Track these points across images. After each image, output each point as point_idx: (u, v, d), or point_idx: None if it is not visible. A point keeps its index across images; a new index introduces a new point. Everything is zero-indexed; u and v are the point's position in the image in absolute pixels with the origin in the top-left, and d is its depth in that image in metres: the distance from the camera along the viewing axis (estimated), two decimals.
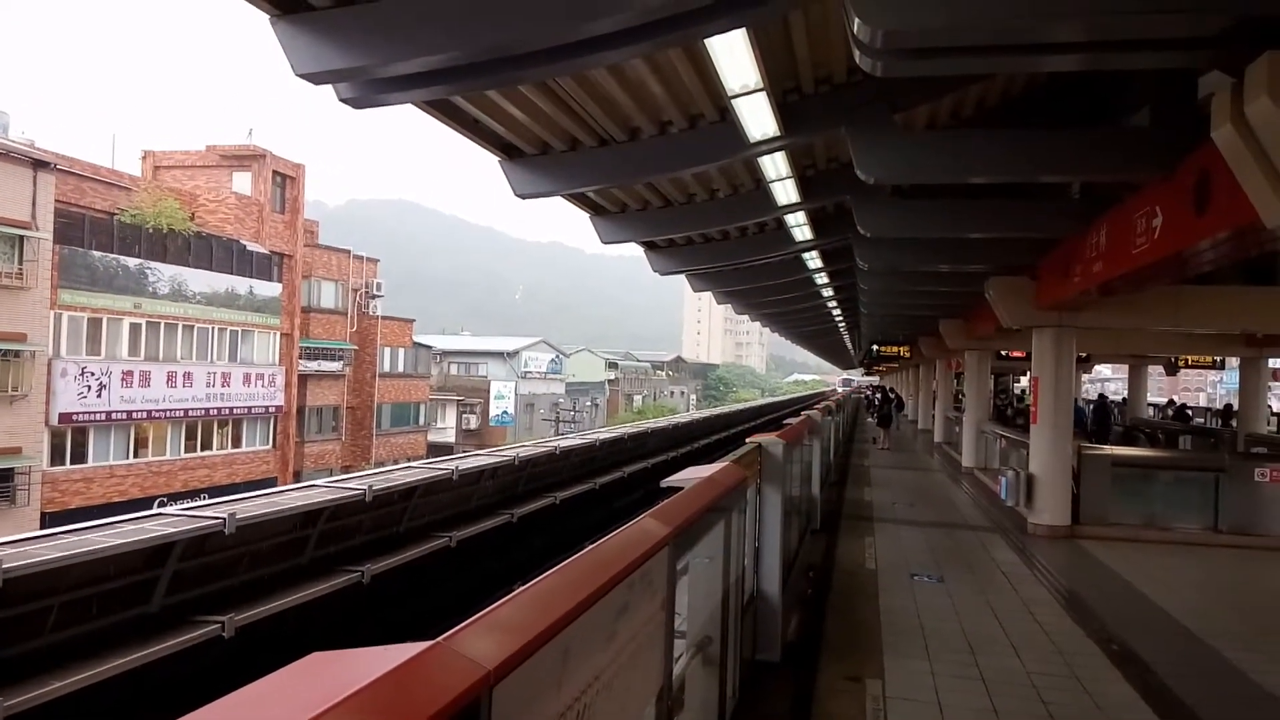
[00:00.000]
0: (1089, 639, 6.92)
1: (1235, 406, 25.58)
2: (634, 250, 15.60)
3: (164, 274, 31.36)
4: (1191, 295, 11.64)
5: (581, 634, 1.79)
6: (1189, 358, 29.94)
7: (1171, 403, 37.32)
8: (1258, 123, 4.65)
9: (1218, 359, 31.21)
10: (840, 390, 60.49)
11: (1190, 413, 31.94)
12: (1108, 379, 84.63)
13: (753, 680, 5.40)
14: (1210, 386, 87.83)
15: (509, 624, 1.56)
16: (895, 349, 30.79)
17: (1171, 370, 34.76)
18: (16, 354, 25.98)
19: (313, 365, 39.25)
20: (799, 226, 12.99)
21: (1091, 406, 25.10)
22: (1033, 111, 9.29)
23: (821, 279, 19.38)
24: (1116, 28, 4.67)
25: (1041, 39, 4.88)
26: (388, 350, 45.51)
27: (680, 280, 19.69)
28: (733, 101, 7.13)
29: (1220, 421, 28.24)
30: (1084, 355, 26.61)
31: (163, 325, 31.36)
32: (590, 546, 2.26)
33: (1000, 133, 8.67)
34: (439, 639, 1.37)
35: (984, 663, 6.20)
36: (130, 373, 29.98)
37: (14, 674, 6.33)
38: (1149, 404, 34.10)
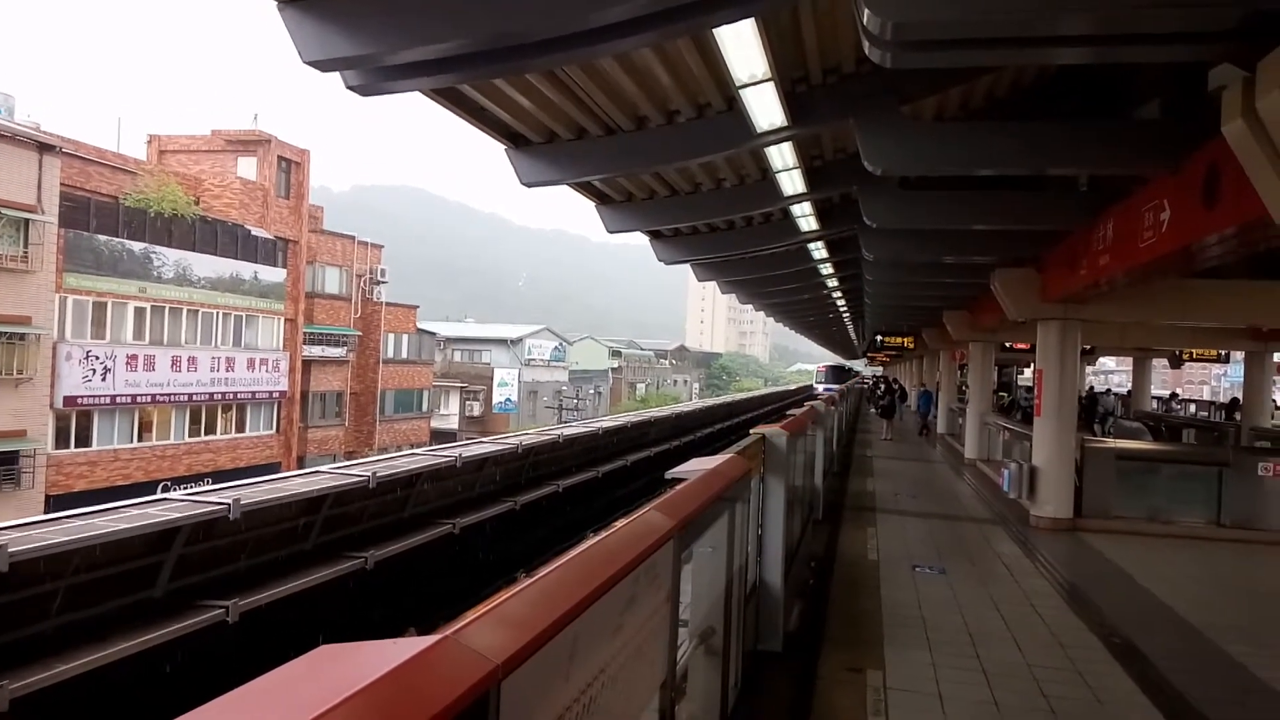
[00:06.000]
0: (1090, 632, 6.93)
1: (1240, 400, 25.53)
2: (639, 239, 15.63)
3: (169, 258, 31.36)
4: (1198, 289, 11.60)
5: (588, 627, 1.79)
6: (1194, 351, 29.86)
7: (1174, 395, 37.31)
8: (1269, 118, 4.63)
9: (1222, 352, 31.14)
10: (822, 390, 43.37)
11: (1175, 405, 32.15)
12: (1111, 371, 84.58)
13: (755, 670, 5.41)
14: (1215, 380, 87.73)
15: (516, 617, 1.56)
16: (899, 340, 30.73)
17: (1176, 363, 34.66)
18: (22, 337, 26.00)
19: (317, 350, 39.27)
20: (805, 217, 12.96)
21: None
22: (1042, 103, 9.24)
23: (826, 269, 19.35)
24: (1127, 21, 4.64)
25: (1052, 32, 4.85)
26: (391, 336, 45.48)
27: (685, 269, 19.65)
28: (740, 92, 7.10)
29: (1224, 415, 28.20)
30: (1088, 347, 26.55)
31: (167, 309, 31.39)
32: (596, 538, 2.26)
33: (1008, 125, 8.63)
34: (447, 632, 1.37)
35: (985, 654, 6.21)
36: (135, 356, 30.03)
37: (19, 658, 6.36)
38: (1152, 396, 34.01)
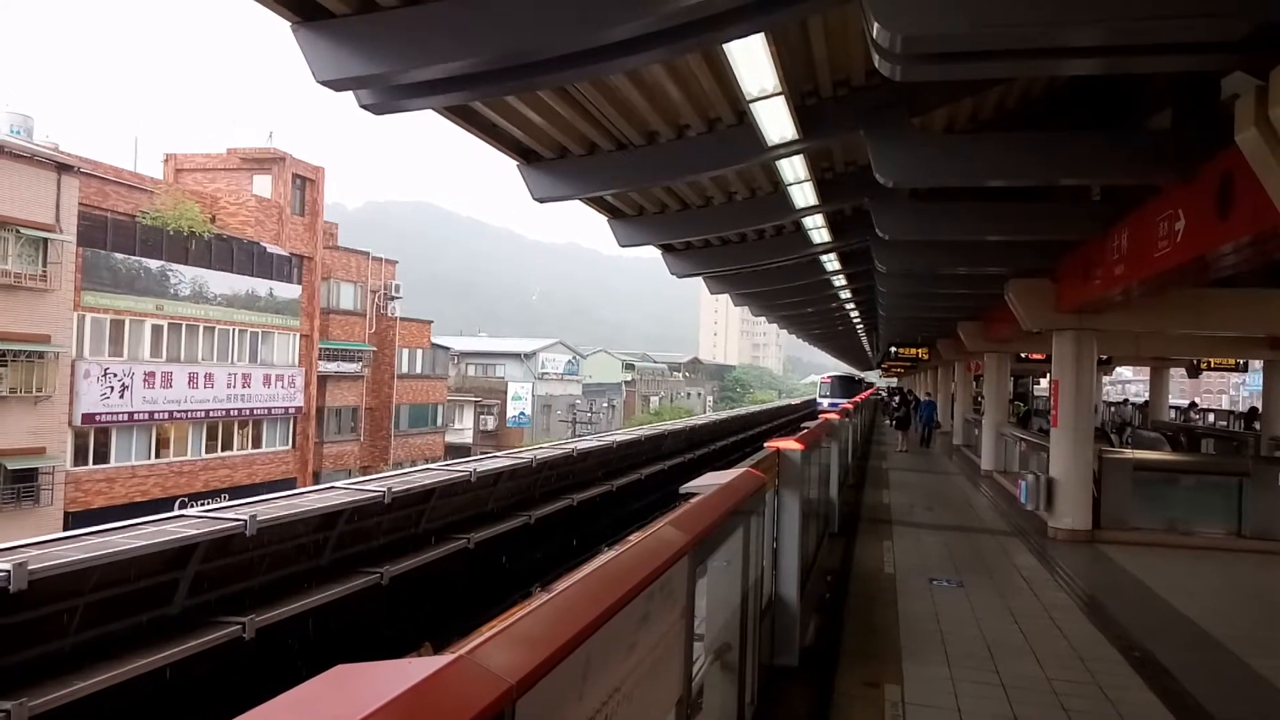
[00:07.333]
0: (1110, 645, 6.87)
1: (1260, 409, 25.27)
2: (651, 252, 15.70)
3: (185, 276, 31.64)
4: (1214, 298, 11.52)
5: (603, 645, 1.79)
6: (1211, 360, 29.65)
7: (1193, 405, 37.01)
8: None
9: (1240, 361, 30.89)
10: (825, 403, 37.18)
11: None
12: (1129, 380, 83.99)
13: (771, 685, 5.38)
14: (1233, 389, 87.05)
15: (531, 636, 1.56)
16: (913, 351, 30.67)
17: (1193, 373, 34.40)
18: (40, 355, 26.24)
19: (332, 366, 39.46)
20: (817, 229, 12.95)
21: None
22: (1052, 114, 9.22)
23: (839, 281, 19.31)
24: (1138, 32, 4.63)
25: (1062, 43, 4.84)
26: (406, 351, 45.69)
27: (698, 282, 19.69)
28: (751, 105, 7.11)
29: (1244, 424, 27.93)
30: (1105, 358, 26.37)
31: (184, 327, 31.65)
32: (610, 555, 2.26)
33: (1019, 136, 8.61)
34: (462, 651, 1.37)
35: (1004, 669, 6.16)
36: (152, 374, 30.27)
37: (38, 675, 6.40)
38: (1170, 406, 33.74)
